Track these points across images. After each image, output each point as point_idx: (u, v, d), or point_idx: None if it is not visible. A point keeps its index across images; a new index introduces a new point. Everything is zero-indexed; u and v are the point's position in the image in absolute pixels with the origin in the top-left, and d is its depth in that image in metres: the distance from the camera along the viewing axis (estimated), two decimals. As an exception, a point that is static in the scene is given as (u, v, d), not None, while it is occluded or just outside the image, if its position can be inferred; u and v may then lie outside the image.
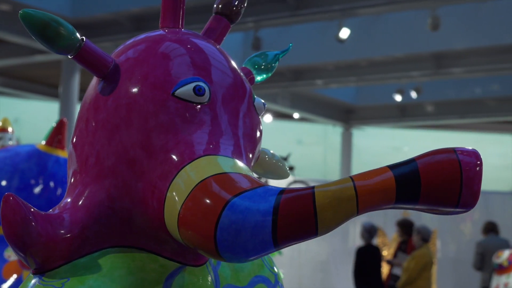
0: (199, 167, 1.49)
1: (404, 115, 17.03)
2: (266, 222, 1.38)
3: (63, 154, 3.43)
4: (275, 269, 1.96)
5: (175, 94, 1.58)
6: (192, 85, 1.58)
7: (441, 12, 9.94)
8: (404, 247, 9.77)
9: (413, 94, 13.72)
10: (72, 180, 1.67)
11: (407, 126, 18.66)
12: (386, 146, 20.25)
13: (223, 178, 1.45)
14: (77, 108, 11.57)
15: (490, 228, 8.84)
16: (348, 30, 10.52)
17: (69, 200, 1.63)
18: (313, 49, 11.89)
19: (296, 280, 12.68)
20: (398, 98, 14.10)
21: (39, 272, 1.58)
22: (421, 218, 12.15)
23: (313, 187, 1.39)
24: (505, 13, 11.02)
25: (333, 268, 13.30)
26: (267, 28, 11.22)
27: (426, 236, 8.87)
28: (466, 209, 1.41)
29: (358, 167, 18.35)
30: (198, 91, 1.58)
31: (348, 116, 17.57)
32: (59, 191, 3.36)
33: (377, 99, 16.64)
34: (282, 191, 1.41)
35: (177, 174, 1.50)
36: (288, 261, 11.88)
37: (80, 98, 12.41)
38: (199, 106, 1.59)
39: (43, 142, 3.44)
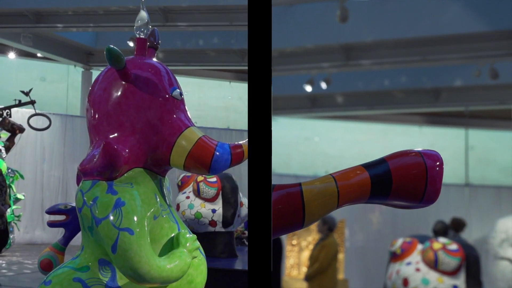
0: (191, 132, 2.98)
1: (315, 106, 17.18)
2: None
3: None
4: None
5: (171, 95, 3.05)
6: (178, 90, 3.09)
7: (350, 5, 10.04)
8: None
9: (323, 85, 13.85)
10: (111, 133, 2.97)
11: (317, 116, 18.84)
12: (297, 136, 20.38)
13: (205, 138, 2.95)
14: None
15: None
16: (259, 20, 10.47)
17: (115, 135, 2.97)
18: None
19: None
20: (308, 88, 14.20)
21: (110, 179, 2.88)
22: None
23: (299, 184, 1.69)
24: (411, 7, 11.25)
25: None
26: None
27: (332, 226, 8.94)
28: (428, 203, 1.65)
29: (272, 156, 18.39)
30: (181, 94, 3.10)
31: (87, 58, 18.06)
32: None
33: (288, 89, 16.71)
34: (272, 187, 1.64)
35: (180, 135, 2.95)
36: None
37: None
38: (180, 102, 3.07)
39: None
